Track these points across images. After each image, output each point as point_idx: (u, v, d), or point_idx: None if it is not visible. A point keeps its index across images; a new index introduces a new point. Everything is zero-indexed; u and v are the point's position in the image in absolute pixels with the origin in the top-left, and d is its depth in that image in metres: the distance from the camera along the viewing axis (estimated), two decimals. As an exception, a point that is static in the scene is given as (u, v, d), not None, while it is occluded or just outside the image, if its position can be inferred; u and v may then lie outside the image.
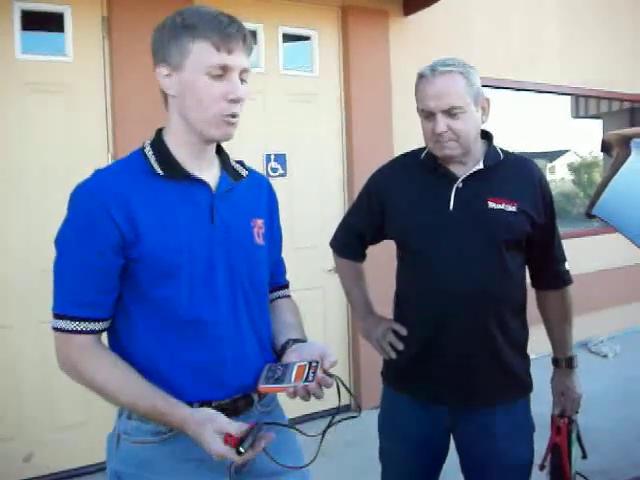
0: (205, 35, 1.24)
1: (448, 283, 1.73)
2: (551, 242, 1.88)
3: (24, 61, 3.13)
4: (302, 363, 1.32)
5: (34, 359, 3.15)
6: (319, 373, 1.28)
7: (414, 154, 1.91)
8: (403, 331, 1.85)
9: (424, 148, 1.87)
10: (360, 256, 2.07)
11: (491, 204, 1.74)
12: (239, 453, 1.19)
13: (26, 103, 3.13)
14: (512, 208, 1.74)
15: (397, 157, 2.00)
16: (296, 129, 3.92)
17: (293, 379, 1.29)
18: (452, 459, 1.90)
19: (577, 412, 1.96)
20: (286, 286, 1.65)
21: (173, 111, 1.34)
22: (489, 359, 1.76)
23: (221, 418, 1.23)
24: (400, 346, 1.84)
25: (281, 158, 3.84)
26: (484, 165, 1.76)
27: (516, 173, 1.81)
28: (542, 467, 1.98)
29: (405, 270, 1.90)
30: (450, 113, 1.68)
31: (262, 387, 1.33)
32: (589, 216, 1.70)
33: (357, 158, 4.07)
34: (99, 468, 3.28)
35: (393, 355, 1.85)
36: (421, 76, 1.73)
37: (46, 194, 3.15)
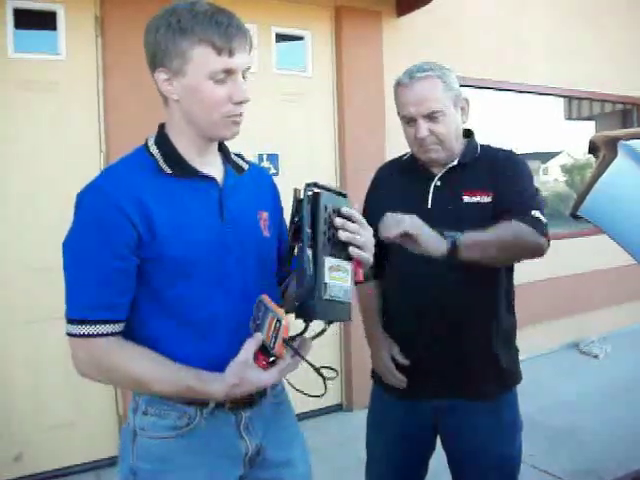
0: (205, 39, 1.21)
1: (428, 279, 1.75)
2: (518, 195, 1.73)
3: (17, 59, 3.11)
4: (272, 315, 1.20)
5: (23, 359, 3.15)
6: (279, 342, 1.18)
7: (399, 157, 1.97)
8: (404, 362, 1.82)
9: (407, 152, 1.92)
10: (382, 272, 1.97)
11: (466, 199, 1.76)
12: (275, 358, 1.20)
13: (18, 101, 3.12)
14: (487, 199, 1.75)
15: (385, 163, 2.05)
16: (289, 129, 3.92)
17: (265, 330, 1.21)
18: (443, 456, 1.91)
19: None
20: None
21: (175, 112, 1.32)
22: (474, 354, 1.77)
23: (241, 359, 1.23)
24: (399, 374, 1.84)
25: (274, 158, 3.84)
26: (458, 162, 1.79)
27: (488, 164, 1.82)
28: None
29: (387, 267, 1.90)
30: (431, 117, 1.71)
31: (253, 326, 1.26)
32: (574, 217, 1.71)
33: (350, 158, 4.08)
34: (87, 468, 3.29)
35: (403, 385, 1.83)
36: (399, 83, 1.77)
37: (37, 193, 3.14)
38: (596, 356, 5.27)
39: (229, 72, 1.25)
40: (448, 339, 1.76)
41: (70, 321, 1.25)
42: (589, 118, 6.37)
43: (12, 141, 3.11)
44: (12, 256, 3.12)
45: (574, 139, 6.18)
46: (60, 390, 3.20)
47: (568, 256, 5.06)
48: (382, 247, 1.90)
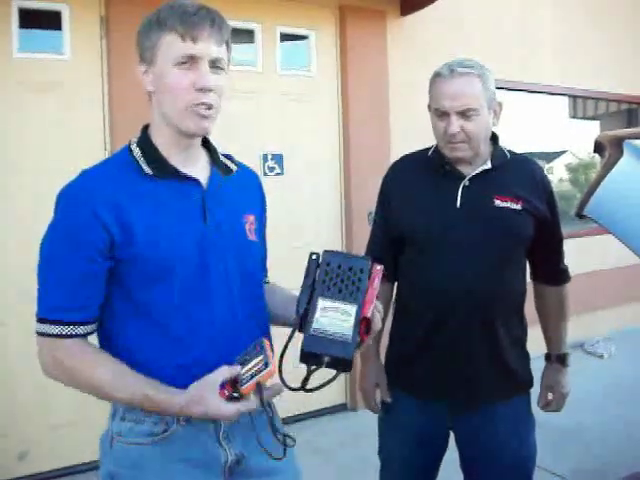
0: (171, 26, 1.24)
1: (451, 279, 1.74)
2: (555, 240, 1.91)
3: (21, 59, 3.13)
4: (263, 357, 1.24)
5: (28, 357, 3.14)
6: (252, 382, 1.21)
7: (422, 152, 1.92)
8: (387, 398, 1.91)
9: (431, 147, 1.88)
10: (392, 274, 1.94)
11: (497, 202, 1.76)
12: (239, 395, 1.19)
13: (23, 102, 3.12)
14: (517, 206, 1.77)
15: (405, 155, 1.99)
16: (293, 129, 3.92)
17: (247, 367, 1.23)
18: (452, 455, 1.90)
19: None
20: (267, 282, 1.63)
21: (154, 107, 1.34)
22: (489, 356, 1.77)
23: (209, 379, 1.21)
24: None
25: (278, 157, 3.84)
26: (492, 165, 1.78)
27: (520, 172, 1.83)
28: None
29: (408, 265, 1.89)
30: (464, 114, 1.69)
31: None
32: (579, 216, 1.71)
33: (354, 158, 4.07)
34: (92, 467, 3.29)
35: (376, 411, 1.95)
36: (438, 75, 1.74)
37: (43, 193, 3.13)
38: (601, 356, 5.27)
39: (192, 58, 1.25)
40: (465, 340, 1.75)
41: (39, 320, 1.27)
42: (594, 117, 6.35)
43: (16, 141, 3.12)
44: (19, 254, 3.12)
45: (579, 138, 6.16)
46: (65, 389, 3.19)
47: (573, 256, 5.01)
48: (397, 248, 1.90)
